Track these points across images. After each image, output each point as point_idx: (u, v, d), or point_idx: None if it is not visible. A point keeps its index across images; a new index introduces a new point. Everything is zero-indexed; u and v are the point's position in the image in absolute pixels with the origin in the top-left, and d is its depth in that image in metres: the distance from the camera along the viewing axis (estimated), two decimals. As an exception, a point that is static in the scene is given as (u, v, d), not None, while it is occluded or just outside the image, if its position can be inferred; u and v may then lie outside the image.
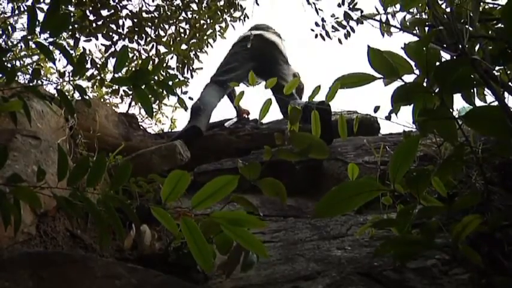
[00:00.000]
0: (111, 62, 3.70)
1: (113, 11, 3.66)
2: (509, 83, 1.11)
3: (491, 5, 1.42)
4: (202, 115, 2.85)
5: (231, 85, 3.01)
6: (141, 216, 1.38)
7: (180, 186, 0.79)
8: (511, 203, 1.27)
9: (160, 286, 1.00)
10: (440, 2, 1.35)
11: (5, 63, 1.12)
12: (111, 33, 3.72)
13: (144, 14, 4.01)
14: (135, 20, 3.87)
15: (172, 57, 4.18)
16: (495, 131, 0.90)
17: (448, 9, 1.26)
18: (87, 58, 3.65)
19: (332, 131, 2.31)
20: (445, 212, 1.25)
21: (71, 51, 3.53)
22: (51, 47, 1.14)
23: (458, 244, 0.95)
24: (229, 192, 0.82)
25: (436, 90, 0.95)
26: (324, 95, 1.28)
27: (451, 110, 0.95)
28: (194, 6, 4.25)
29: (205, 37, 4.34)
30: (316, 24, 3.71)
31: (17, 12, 4.01)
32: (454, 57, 1.05)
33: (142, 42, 4.00)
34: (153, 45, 4.09)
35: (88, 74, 3.66)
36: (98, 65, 3.67)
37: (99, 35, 3.67)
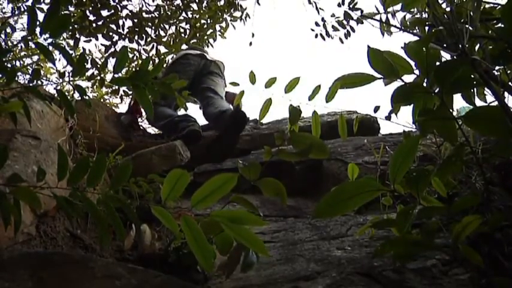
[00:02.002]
0: (111, 62, 3.70)
1: (113, 11, 3.66)
2: (509, 83, 1.11)
3: (491, 5, 1.42)
4: (192, 120, 2.83)
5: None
6: (141, 216, 1.38)
7: (179, 185, 0.79)
8: (511, 203, 1.27)
9: (160, 286, 1.00)
10: (440, 2, 1.35)
11: (5, 64, 1.11)
12: (111, 34, 3.72)
13: (144, 14, 4.01)
14: (135, 20, 3.87)
15: (172, 57, 4.18)
16: (495, 131, 0.90)
17: (448, 9, 1.26)
18: (87, 58, 3.65)
19: (236, 138, 2.29)
20: (445, 212, 1.25)
21: (71, 52, 3.53)
22: (50, 48, 1.14)
23: (459, 244, 0.95)
24: (228, 191, 0.82)
25: (436, 91, 0.95)
26: (324, 95, 1.28)
27: (450, 110, 0.95)
28: (194, 6, 4.25)
29: (205, 37, 4.35)
30: (316, 24, 3.72)
31: (17, 12, 4.01)
32: (454, 57, 1.05)
33: (142, 42, 4.00)
34: (153, 45, 4.09)
35: (88, 74, 3.66)
36: (98, 65, 3.67)
37: (99, 35, 3.67)
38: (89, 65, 3.59)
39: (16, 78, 1.31)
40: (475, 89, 1.22)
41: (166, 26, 4.16)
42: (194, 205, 0.81)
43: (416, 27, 1.47)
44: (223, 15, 4.40)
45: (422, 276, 1.10)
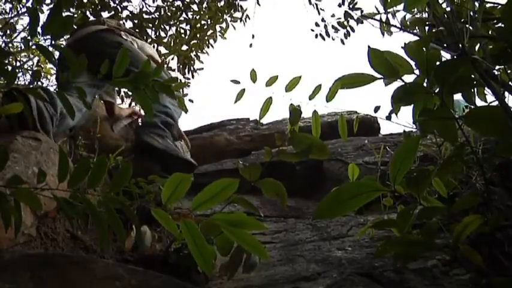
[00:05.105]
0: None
1: (113, 12, 3.67)
2: (510, 83, 1.11)
3: (491, 5, 1.42)
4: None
5: None
6: (142, 217, 1.38)
7: (180, 189, 0.79)
8: (511, 203, 1.27)
9: (160, 287, 1.00)
10: (440, 2, 1.35)
11: (6, 65, 1.12)
12: (111, 34, 3.72)
13: (144, 15, 4.01)
14: (136, 21, 3.87)
15: (173, 58, 4.19)
16: (495, 131, 0.90)
17: (448, 9, 1.26)
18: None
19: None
20: (445, 213, 1.25)
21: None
22: (51, 49, 1.14)
23: (459, 244, 0.95)
24: (229, 195, 0.82)
25: (436, 91, 0.95)
26: (324, 96, 1.27)
27: (451, 110, 0.95)
28: (194, 7, 4.26)
29: (205, 37, 4.35)
30: (316, 24, 3.73)
31: (16, 13, 4.02)
32: (454, 57, 1.05)
33: (142, 43, 4.00)
34: (153, 46, 4.09)
35: (88, 75, 3.66)
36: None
37: (100, 36, 3.67)
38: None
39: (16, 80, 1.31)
40: (475, 89, 1.22)
41: (167, 27, 4.17)
42: (195, 208, 0.82)
43: (417, 27, 1.47)
44: (224, 15, 4.41)
45: (423, 276, 1.10)
